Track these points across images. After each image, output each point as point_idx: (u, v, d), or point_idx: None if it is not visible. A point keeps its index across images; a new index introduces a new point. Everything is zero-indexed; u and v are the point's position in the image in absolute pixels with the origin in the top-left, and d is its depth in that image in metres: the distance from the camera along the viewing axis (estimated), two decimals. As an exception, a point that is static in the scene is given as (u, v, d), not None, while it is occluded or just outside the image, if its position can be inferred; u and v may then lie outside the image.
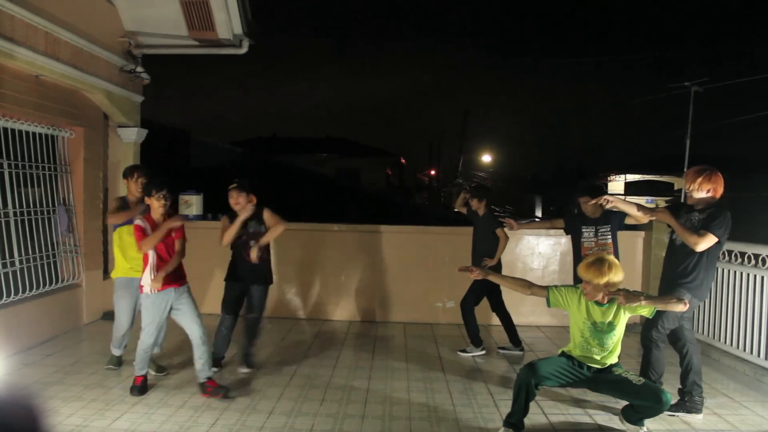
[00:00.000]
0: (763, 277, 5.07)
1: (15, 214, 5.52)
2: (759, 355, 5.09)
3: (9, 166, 5.47)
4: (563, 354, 3.96)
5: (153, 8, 6.77)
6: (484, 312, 6.06)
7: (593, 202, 4.72)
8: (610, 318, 3.77)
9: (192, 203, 7.33)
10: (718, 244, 4.08)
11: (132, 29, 6.92)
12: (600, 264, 3.69)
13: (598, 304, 3.79)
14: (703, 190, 4.13)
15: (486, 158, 44.24)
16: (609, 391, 3.93)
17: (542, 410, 4.25)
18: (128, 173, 4.88)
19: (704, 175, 4.13)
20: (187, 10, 6.66)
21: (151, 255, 4.30)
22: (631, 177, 38.81)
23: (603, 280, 3.67)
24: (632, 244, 6.99)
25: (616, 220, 5.10)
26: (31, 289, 5.59)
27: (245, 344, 5.10)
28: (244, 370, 4.99)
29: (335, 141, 37.08)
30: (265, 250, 5.04)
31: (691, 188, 4.18)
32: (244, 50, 7.21)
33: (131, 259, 4.73)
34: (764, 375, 4.97)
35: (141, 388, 4.39)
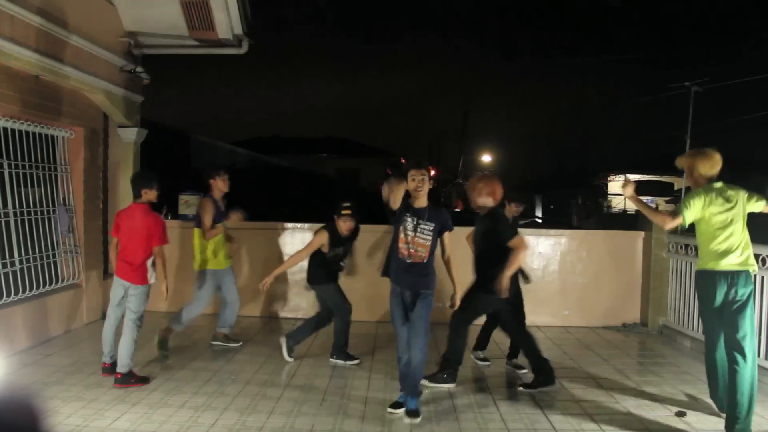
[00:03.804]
0: (763, 277, 5.07)
1: (15, 214, 5.52)
2: (759, 355, 5.08)
3: (9, 166, 5.47)
4: (704, 283, 3.95)
5: (153, 8, 6.77)
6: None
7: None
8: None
9: (192, 203, 7.33)
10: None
11: (132, 29, 6.92)
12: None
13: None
14: (483, 195, 4.54)
15: (486, 158, 44.17)
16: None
17: (542, 410, 4.25)
18: (213, 173, 5.54)
19: (483, 182, 4.56)
20: (187, 10, 6.66)
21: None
22: (631, 177, 38.79)
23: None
24: (632, 244, 7.00)
25: (444, 220, 4.16)
26: (31, 289, 5.59)
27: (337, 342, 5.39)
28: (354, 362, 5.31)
29: (335, 141, 37.05)
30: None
31: (474, 196, 4.59)
32: (244, 50, 7.22)
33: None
34: (764, 375, 4.97)
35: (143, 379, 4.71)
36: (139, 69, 7.04)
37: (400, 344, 4.16)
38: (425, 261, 4.10)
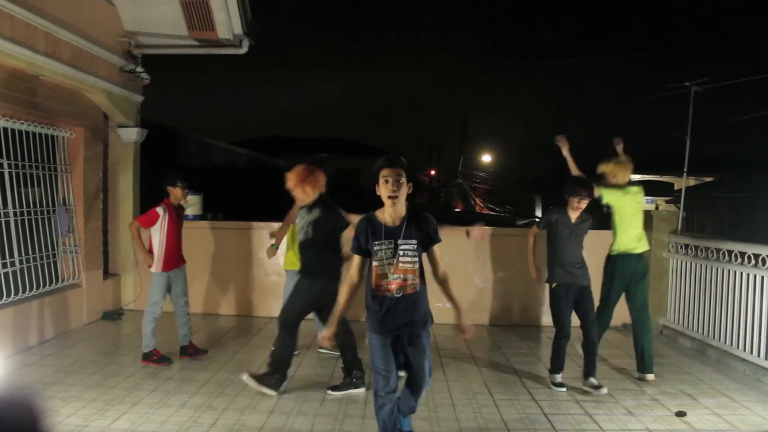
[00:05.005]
0: (763, 277, 5.07)
1: (15, 214, 5.51)
2: (759, 355, 5.09)
3: (9, 166, 5.46)
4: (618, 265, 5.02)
5: (153, 8, 6.77)
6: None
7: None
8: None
9: (192, 203, 7.33)
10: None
11: (132, 29, 6.92)
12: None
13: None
14: (314, 188, 4.57)
15: (486, 158, 44.17)
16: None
17: (542, 410, 4.26)
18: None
19: (307, 176, 4.58)
20: (187, 10, 6.66)
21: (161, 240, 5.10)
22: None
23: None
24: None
25: (428, 230, 3.24)
26: (31, 289, 5.59)
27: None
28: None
29: (335, 141, 37.03)
30: None
31: (305, 190, 4.60)
32: (244, 50, 7.22)
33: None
34: (764, 375, 4.97)
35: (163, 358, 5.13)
36: (139, 69, 7.04)
37: (383, 388, 3.20)
38: (418, 289, 3.20)
